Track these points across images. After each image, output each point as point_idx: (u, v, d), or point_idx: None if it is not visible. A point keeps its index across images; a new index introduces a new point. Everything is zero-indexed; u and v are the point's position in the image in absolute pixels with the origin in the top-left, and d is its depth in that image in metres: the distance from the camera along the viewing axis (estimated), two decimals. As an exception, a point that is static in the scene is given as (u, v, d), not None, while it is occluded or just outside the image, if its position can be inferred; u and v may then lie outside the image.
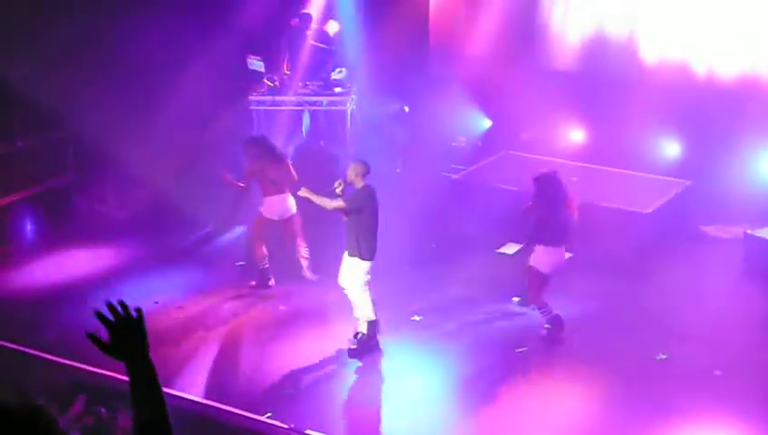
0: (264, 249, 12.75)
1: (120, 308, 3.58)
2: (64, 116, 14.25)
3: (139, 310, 3.61)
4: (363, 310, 11.23)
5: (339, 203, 11.05)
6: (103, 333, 3.56)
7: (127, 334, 3.56)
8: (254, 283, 12.84)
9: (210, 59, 15.74)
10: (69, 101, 13.96)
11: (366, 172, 11.15)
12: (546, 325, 11.63)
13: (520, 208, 11.79)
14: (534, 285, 11.56)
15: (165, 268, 13.36)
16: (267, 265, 12.80)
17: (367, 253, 11.09)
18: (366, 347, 11.27)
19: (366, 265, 11.10)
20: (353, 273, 11.16)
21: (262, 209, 12.72)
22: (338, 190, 11.10)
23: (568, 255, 12.69)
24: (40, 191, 14.55)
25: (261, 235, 12.78)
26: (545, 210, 11.30)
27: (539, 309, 11.61)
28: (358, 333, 11.30)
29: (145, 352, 3.57)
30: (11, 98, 14.09)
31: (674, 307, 12.15)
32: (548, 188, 11.37)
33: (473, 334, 11.77)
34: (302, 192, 11.29)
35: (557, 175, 11.56)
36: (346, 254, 11.23)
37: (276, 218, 12.71)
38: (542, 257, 11.42)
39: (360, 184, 11.11)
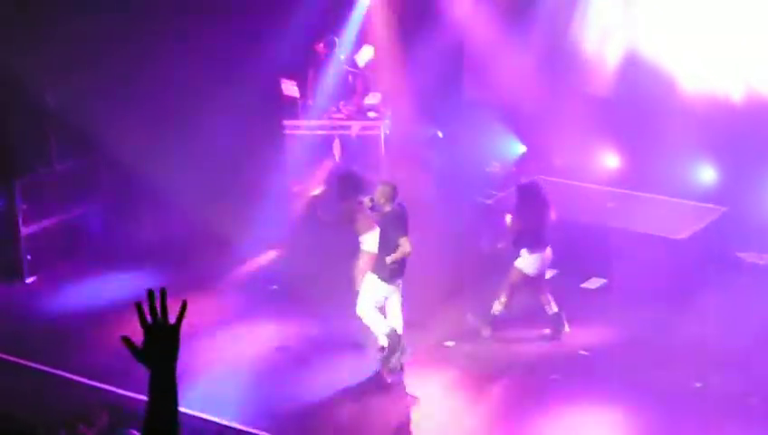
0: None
1: (160, 309, 3.49)
2: (100, 140, 14.33)
3: (182, 310, 3.53)
4: (376, 328, 11.24)
5: (403, 242, 10.96)
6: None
7: (162, 339, 3.48)
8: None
9: (245, 83, 15.80)
10: (105, 125, 14.04)
11: (394, 195, 11.18)
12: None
13: (505, 221, 12.10)
14: (513, 285, 11.96)
15: (199, 292, 13.38)
16: None
17: (387, 274, 11.09)
18: (393, 357, 11.23)
19: (382, 286, 11.11)
20: (367, 288, 11.18)
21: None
22: (367, 204, 11.18)
23: (602, 281, 12.66)
24: (76, 215, 14.63)
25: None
26: (530, 218, 11.76)
27: (504, 301, 11.99)
28: (382, 348, 11.30)
29: (174, 360, 3.49)
30: (48, 123, 14.18)
31: (710, 334, 12.05)
32: (532, 196, 11.95)
33: (506, 359, 11.73)
34: (389, 260, 11.13)
35: (538, 183, 12.35)
36: (370, 272, 11.29)
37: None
38: (528, 262, 11.88)
39: (387, 207, 11.13)
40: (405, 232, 11.12)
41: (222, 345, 12.06)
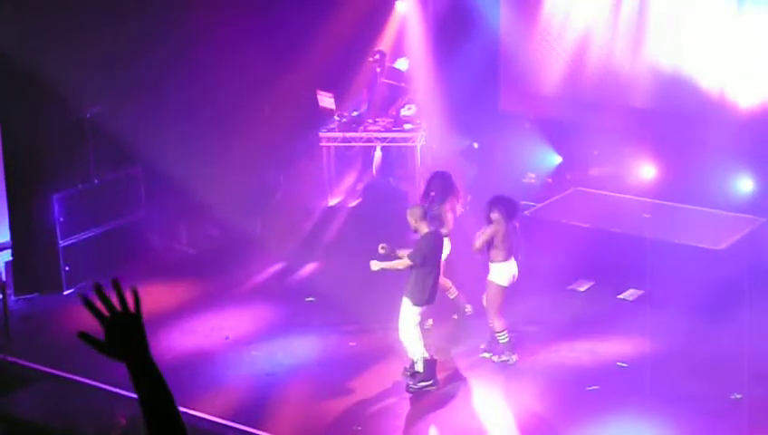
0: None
1: (114, 298, 3.25)
2: (138, 153, 14.42)
3: (136, 300, 3.30)
4: (414, 350, 11.22)
5: (405, 262, 11.15)
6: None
7: (124, 330, 3.24)
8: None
9: (282, 95, 15.88)
10: (143, 138, 14.13)
11: (424, 215, 11.19)
12: (497, 356, 11.83)
13: (474, 238, 11.89)
14: (496, 302, 11.80)
15: (236, 304, 13.43)
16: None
17: (419, 298, 11.10)
18: (426, 386, 11.22)
19: (416, 309, 11.12)
20: (403, 314, 11.19)
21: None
22: (381, 252, 11.22)
23: (637, 292, 12.60)
24: (114, 227, 14.71)
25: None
26: (500, 230, 11.70)
27: (498, 332, 11.78)
28: (413, 368, 11.27)
29: (145, 350, 3.27)
30: (87, 136, 14.29)
31: (749, 346, 11.95)
32: (501, 209, 11.78)
33: (544, 372, 11.70)
34: (375, 265, 11.25)
35: (505, 196, 12.15)
36: (404, 297, 11.27)
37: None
38: (500, 273, 11.79)
39: (424, 229, 11.12)
40: (437, 257, 11.23)
41: (256, 358, 12.09)
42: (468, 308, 12.76)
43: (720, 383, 11.17)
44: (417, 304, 11.15)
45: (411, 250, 11.19)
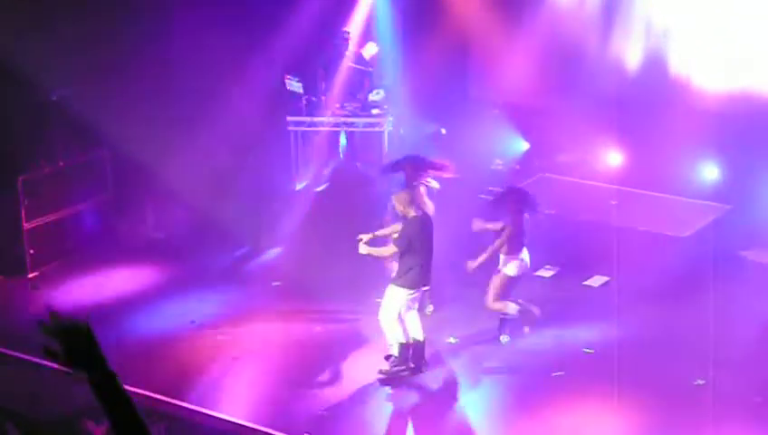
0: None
1: (60, 317, 3.34)
2: (105, 136, 14.31)
3: (86, 315, 3.40)
4: (391, 334, 11.20)
5: (392, 249, 11.15)
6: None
7: (77, 342, 3.33)
8: None
9: (249, 79, 15.81)
10: (109, 119, 14.01)
11: (412, 200, 11.12)
12: (504, 336, 11.90)
13: (488, 229, 11.92)
14: (502, 290, 11.82)
15: (202, 288, 13.38)
16: None
17: (410, 282, 11.06)
18: (399, 371, 11.22)
19: (404, 292, 11.07)
20: (387, 298, 11.14)
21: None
22: (365, 239, 11.22)
23: (603, 278, 12.66)
24: (80, 210, 14.61)
25: None
26: (511, 222, 11.71)
27: (502, 314, 11.89)
28: (390, 356, 11.27)
29: (101, 360, 3.36)
30: (53, 118, 14.17)
31: (713, 332, 12.02)
32: (513, 201, 11.84)
33: (509, 357, 11.73)
34: (363, 249, 11.24)
35: (518, 188, 12.35)
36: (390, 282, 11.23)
37: None
38: (512, 265, 11.78)
39: (411, 213, 11.06)
40: (427, 239, 11.11)
41: (222, 343, 12.04)
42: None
43: (684, 369, 11.23)
44: (409, 287, 11.09)
45: (397, 236, 11.10)
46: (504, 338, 11.98)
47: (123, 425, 3.36)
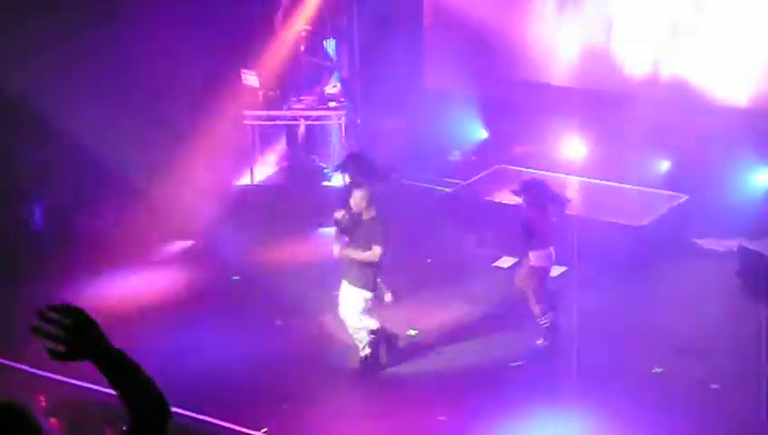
0: None
1: (57, 314, 3.29)
2: (63, 131, 14.17)
3: (76, 308, 3.34)
4: (362, 336, 11.18)
5: (378, 252, 10.84)
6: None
7: (84, 334, 3.31)
8: None
9: (205, 73, 15.75)
10: (66, 115, 13.89)
11: (372, 199, 11.00)
12: (541, 340, 11.66)
13: (526, 221, 11.65)
14: (540, 287, 11.61)
15: (160, 285, 13.30)
16: None
17: (371, 284, 11.04)
18: (374, 366, 11.25)
19: (368, 295, 11.06)
20: (357, 302, 11.04)
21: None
22: (340, 218, 11.00)
23: (562, 268, 12.74)
24: (42, 209, 14.48)
25: None
26: (541, 215, 11.49)
27: (543, 315, 11.61)
28: (365, 358, 11.26)
29: (105, 342, 3.34)
30: (9, 113, 14.04)
31: (669, 321, 12.13)
32: (541, 193, 11.57)
33: (468, 348, 11.76)
34: (344, 252, 10.98)
35: (544, 180, 12.05)
36: (346, 283, 11.08)
37: None
38: (542, 258, 11.57)
39: (372, 213, 10.94)
40: (388, 240, 10.97)
41: (182, 336, 11.98)
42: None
43: (642, 357, 11.32)
44: (371, 289, 11.05)
45: (378, 238, 10.84)
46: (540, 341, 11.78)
47: (137, 395, 3.37)
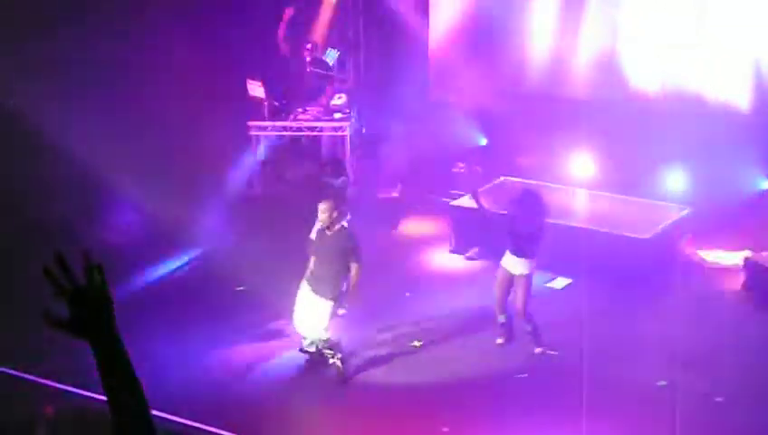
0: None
1: (75, 271, 2.92)
2: (61, 144, 14.16)
3: (100, 271, 2.96)
4: (324, 338, 11.15)
5: (359, 267, 10.86)
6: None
7: (88, 305, 2.93)
8: None
9: (210, 83, 15.76)
10: (65, 128, 13.88)
11: (344, 209, 11.04)
12: (540, 348, 11.72)
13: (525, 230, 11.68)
14: (529, 296, 11.70)
15: (165, 294, 13.28)
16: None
17: (336, 292, 11.02)
18: (337, 358, 11.23)
19: (334, 305, 11.04)
20: (323, 315, 10.99)
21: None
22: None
23: (567, 281, 12.73)
24: (42, 220, 14.46)
25: None
26: (541, 225, 11.60)
27: (532, 321, 11.75)
28: (338, 370, 11.23)
29: (111, 325, 2.97)
30: (8, 127, 14.05)
31: (674, 333, 12.08)
32: (541, 204, 11.67)
33: (470, 360, 11.73)
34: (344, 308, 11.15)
35: (536, 191, 12.21)
36: (312, 294, 10.99)
37: None
38: (534, 268, 11.70)
39: (343, 223, 10.93)
40: (360, 253, 10.96)
41: (189, 348, 11.96)
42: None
43: (646, 371, 11.28)
44: (335, 298, 11.05)
45: (353, 253, 10.87)
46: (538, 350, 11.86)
47: (118, 387, 2.96)
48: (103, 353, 2.95)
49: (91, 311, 2.93)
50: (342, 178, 12.81)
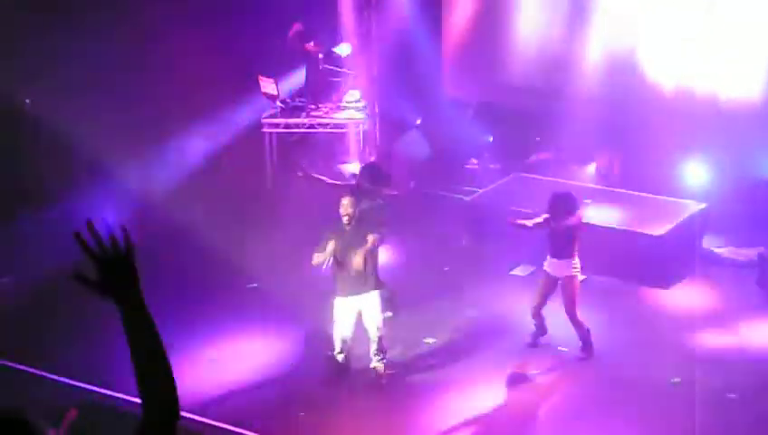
0: None
1: (106, 239, 3.20)
2: (74, 141, 14.21)
3: (128, 241, 3.26)
4: (379, 345, 11.13)
5: (373, 238, 10.66)
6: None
7: (115, 271, 3.21)
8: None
9: (223, 80, 15.78)
10: (77, 125, 13.93)
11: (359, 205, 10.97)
12: (583, 353, 11.67)
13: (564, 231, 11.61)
14: (576, 297, 11.54)
15: (177, 292, 13.30)
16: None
17: (336, 288, 10.97)
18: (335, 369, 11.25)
19: (335, 300, 11.01)
20: (376, 309, 10.90)
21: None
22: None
23: (582, 277, 12.69)
24: (51, 217, 14.50)
25: None
26: (576, 224, 11.47)
27: (580, 325, 11.59)
28: (378, 372, 11.22)
29: (137, 292, 3.24)
30: (20, 124, 14.10)
31: (688, 330, 12.08)
32: (572, 202, 11.58)
33: (484, 357, 11.73)
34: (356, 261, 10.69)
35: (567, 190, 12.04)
36: (354, 298, 10.84)
37: None
38: (576, 268, 11.51)
39: (354, 219, 10.78)
40: (380, 231, 10.93)
41: (199, 344, 11.98)
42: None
43: (660, 368, 11.27)
44: (379, 286, 10.99)
45: (373, 229, 10.78)
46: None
47: (145, 355, 3.25)
48: (128, 312, 3.22)
49: (117, 273, 3.22)
50: (379, 202, 12.37)
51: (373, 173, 12.29)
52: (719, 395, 10.68)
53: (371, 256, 10.76)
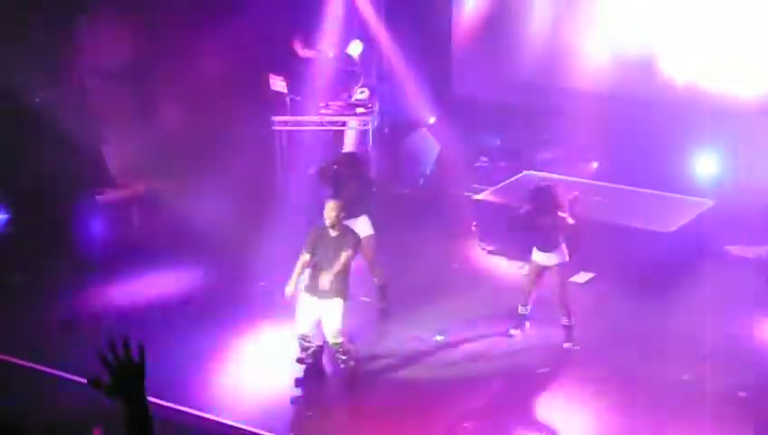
0: None
1: (121, 349, 3.59)
2: (87, 138, 14.26)
3: (141, 350, 3.64)
4: (341, 347, 11.03)
5: (347, 255, 10.72)
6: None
7: (127, 377, 3.58)
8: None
9: (232, 78, 15.80)
10: (91, 122, 13.98)
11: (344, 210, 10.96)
12: (570, 343, 11.72)
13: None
14: (564, 285, 11.82)
15: (186, 289, 13.33)
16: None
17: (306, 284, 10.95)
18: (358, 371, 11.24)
19: (347, 305, 11.00)
20: (338, 316, 10.77)
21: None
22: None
23: (590, 275, 12.73)
24: (66, 214, 14.55)
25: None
26: (556, 216, 11.59)
27: (570, 315, 11.77)
28: (351, 372, 11.20)
29: (142, 394, 3.60)
30: (33, 121, 14.14)
31: (698, 328, 12.06)
32: (551, 195, 11.69)
33: (494, 354, 11.73)
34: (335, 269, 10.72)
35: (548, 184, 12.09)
36: (320, 299, 10.74)
37: None
38: (564, 254, 11.72)
39: (340, 227, 10.80)
40: (356, 249, 10.96)
41: (209, 343, 12.01)
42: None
43: (670, 365, 11.26)
44: (347, 297, 10.93)
45: (350, 247, 10.78)
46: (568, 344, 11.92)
47: None
48: (131, 414, 3.58)
49: (128, 383, 3.59)
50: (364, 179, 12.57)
51: (350, 158, 12.66)
52: (730, 393, 10.66)
53: (343, 269, 10.73)
